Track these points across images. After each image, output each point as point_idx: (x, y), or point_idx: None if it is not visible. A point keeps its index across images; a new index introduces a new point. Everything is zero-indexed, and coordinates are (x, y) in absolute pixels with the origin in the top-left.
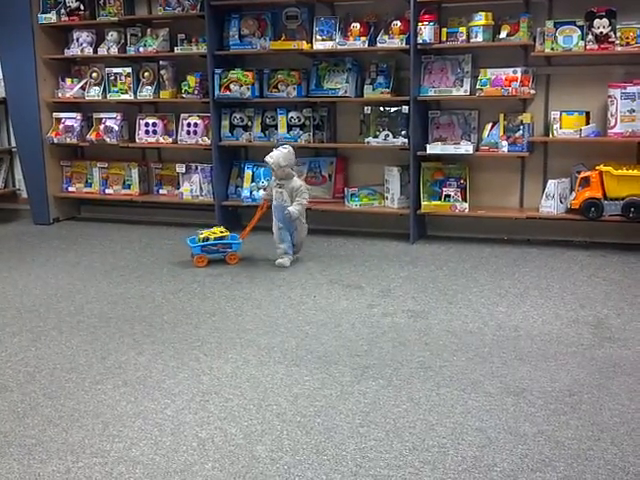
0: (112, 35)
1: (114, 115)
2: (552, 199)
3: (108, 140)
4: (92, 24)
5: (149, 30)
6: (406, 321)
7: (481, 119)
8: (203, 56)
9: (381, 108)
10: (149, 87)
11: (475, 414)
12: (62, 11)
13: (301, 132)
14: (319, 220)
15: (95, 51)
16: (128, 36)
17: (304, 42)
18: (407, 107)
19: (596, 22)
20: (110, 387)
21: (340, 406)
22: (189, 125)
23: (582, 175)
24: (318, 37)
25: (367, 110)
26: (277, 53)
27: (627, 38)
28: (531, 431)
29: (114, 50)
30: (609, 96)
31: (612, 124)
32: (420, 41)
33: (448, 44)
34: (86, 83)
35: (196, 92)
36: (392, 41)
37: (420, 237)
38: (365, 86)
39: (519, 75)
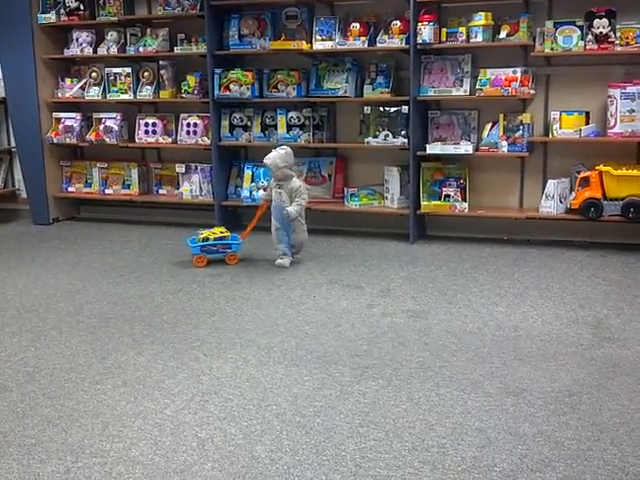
0: (112, 35)
1: (114, 115)
2: (552, 199)
3: (108, 140)
4: (92, 24)
5: (149, 30)
6: (406, 321)
7: (481, 119)
8: (203, 56)
9: (381, 108)
10: (149, 87)
11: (475, 414)
12: (62, 11)
13: (301, 132)
14: (319, 220)
15: (95, 51)
16: (128, 36)
17: (304, 42)
18: (407, 107)
19: (596, 22)
20: (110, 387)
21: (340, 406)
22: (189, 125)
23: (582, 175)
24: (318, 37)
25: (367, 110)
26: (277, 53)
27: (627, 38)
28: (531, 431)
29: (114, 50)
30: (609, 96)
31: (612, 124)
32: (420, 41)
33: (448, 44)
34: (86, 83)
35: (196, 92)
36: (392, 41)
37: (420, 237)
38: (365, 86)
39: (519, 75)
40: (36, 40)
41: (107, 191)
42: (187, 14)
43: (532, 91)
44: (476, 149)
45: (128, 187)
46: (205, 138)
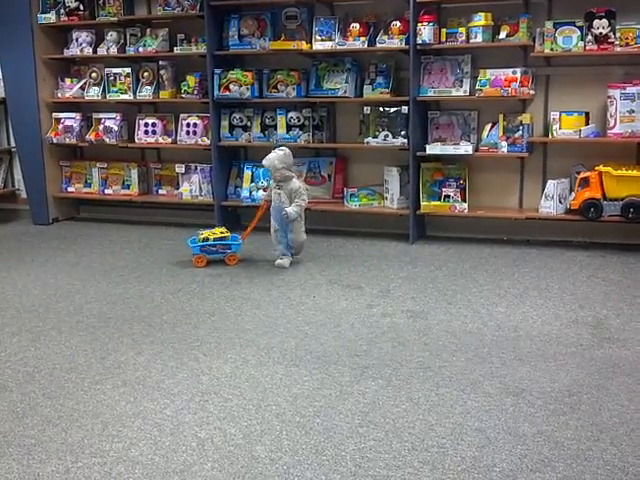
0: (111, 35)
1: (113, 115)
2: (551, 199)
3: (107, 140)
4: (91, 24)
5: (148, 30)
6: (405, 321)
7: (480, 119)
8: (202, 56)
9: (381, 108)
10: (148, 87)
11: (474, 414)
12: (61, 11)
13: (300, 132)
14: (319, 220)
15: (94, 51)
16: (127, 36)
17: (303, 42)
18: (406, 107)
19: (595, 23)
20: (109, 387)
21: (339, 406)
22: (188, 125)
23: (581, 175)
24: (317, 37)
25: (367, 110)
26: (277, 53)
27: (626, 38)
28: (530, 431)
29: (113, 50)
30: (608, 96)
31: (611, 124)
32: (420, 41)
33: (448, 44)
34: (85, 83)
35: (195, 92)
36: (391, 41)
37: (419, 237)
38: (365, 86)
39: (518, 76)
40: (36, 40)
41: (107, 191)
42: (187, 14)
43: (532, 91)
44: (476, 149)
45: (128, 187)
46: (205, 138)
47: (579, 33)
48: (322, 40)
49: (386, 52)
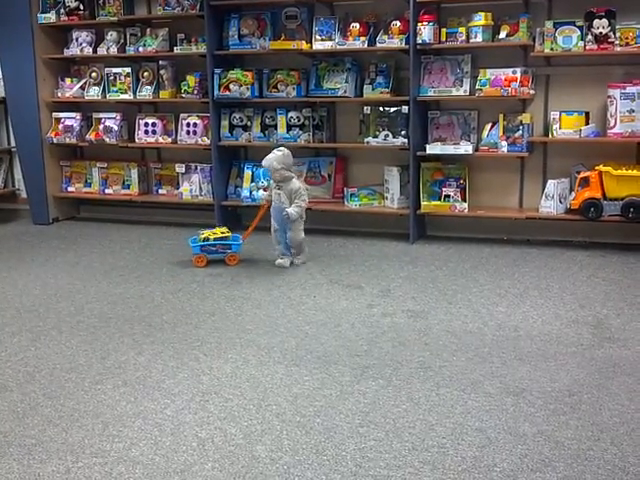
0: (111, 35)
1: (113, 115)
2: (552, 199)
3: (107, 140)
4: (91, 24)
5: (148, 30)
6: (406, 321)
7: (481, 119)
8: (203, 56)
9: (381, 108)
10: (148, 87)
11: (475, 414)
12: (61, 11)
13: (301, 132)
14: (319, 220)
15: (94, 51)
16: (127, 36)
17: (304, 42)
18: (407, 107)
19: (595, 22)
20: (110, 387)
21: (340, 406)
22: (188, 125)
23: (581, 175)
24: (317, 37)
25: (367, 110)
26: (277, 53)
27: (626, 38)
28: (531, 431)
29: (113, 50)
30: (609, 96)
31: (612, 124)
32: (420, 41)
33: (448, 44)
34: (85, 83)
35: (195, 92)
36: (392, 41)
37: (420, 237)
38: (365, 86)
39: (518, 75)
40: (36, 40)
41: (107, 191)
42: (187, 14)
43: (532, 91)
44: (476, 149)
45: (128, 187)
46: (205, 138)
47: (579, 33)
48: (322, 40)
49: (386, 52)
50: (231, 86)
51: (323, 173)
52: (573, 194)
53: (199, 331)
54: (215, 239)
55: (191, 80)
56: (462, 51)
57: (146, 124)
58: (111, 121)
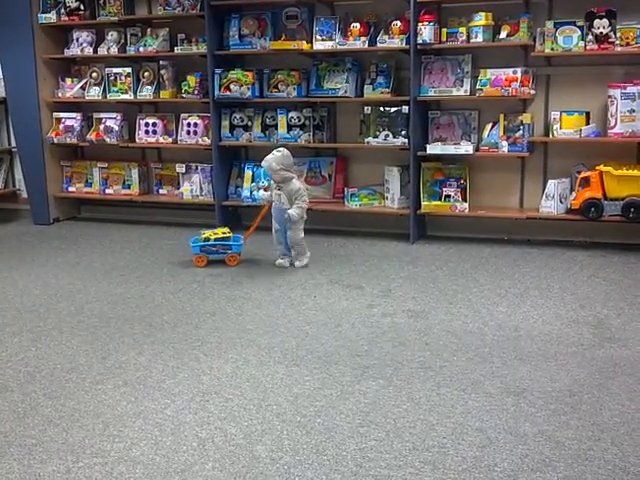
0: (112, 35)
1: (114, 115)
2: (552, 199)
3: (108, 140)
4: (92, 24)
5: (149, 30)
6: (406, 321)
7: (481, 119)
8: (203, 56)
9: (381, 108)
10: (149, 87)
11: (475, 414)
12: (62, 11)
13: (301, 132)
14: (319, 220)
15: (95, 51)
16: (128, 36)
17: (304, 42)
18: (407, 107)
19: (596, 22)
20: (110, 387)
21: (340, 406)
22: (189, 125)
23: (582, 175)
24: (318, 37)
25: (367, 110)
26: (277, 53)
27: (627, 38)
28: (531, 431)
29: (114, 50)
30: (609, 96)
31: (612, 124)
32: (420, 41)
33: (448, 44)
34: (86, 83)
35: (196, 92)
36: (392, 41)
37: (420, 237)
38: (365, 86)
39: (519, 75)
40: (36, 40)
41: (107, 191)
42: (187, 14)
43: (532, 91)
44: (476, 149)
45: (128, 187)
46: (205, 138)
47: (579, 33)
48: (322, 40)
49: (387, 52)
50: (232, 86)
51: (323, 173)
52: (574, 194)
53: (199, 331)
54: (215, 239)
55: (192, 80)
56: (463, 51)
57: (147, 124)
58: (112, 121)
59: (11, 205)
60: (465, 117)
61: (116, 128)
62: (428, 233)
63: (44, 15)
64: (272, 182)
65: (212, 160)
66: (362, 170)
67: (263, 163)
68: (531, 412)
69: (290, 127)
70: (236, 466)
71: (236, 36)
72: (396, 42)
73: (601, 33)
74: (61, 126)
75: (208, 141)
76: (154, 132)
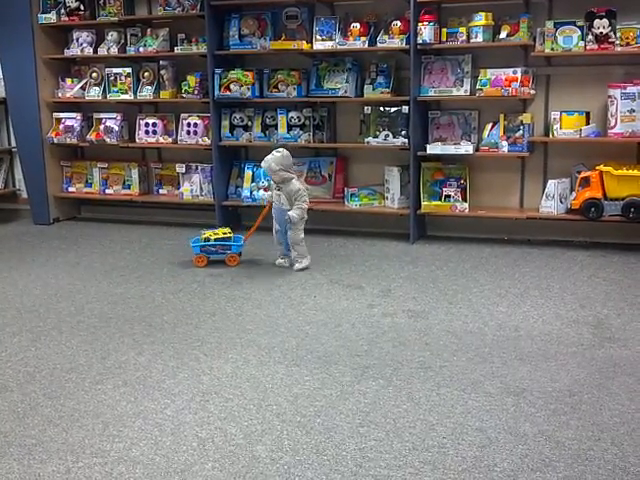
0: (112, 35)
1: (114, 115)
2: (552, 199)
3: (108, 140)
4: (92, 24)
5: (149, 30)
6: (406, 321)
7: (481, 119)
8: (203, 56)
9: (381, 108)
10: (149, 87)
11: (475, 414)
12: (62, 11)
13: (301, 132)
14: (319, 220)
15: (95, 51)
16: (128, 36)
17: (304, 42)
18: (407, 107)
19: (596, 22)
20: (110, 387)
21: (340, 406)
22: (189, 125)
23: (582, 175)
24: (318, 37)
25: (367, 110)
26: (277, 53)
27: (627, 38)
28: (531, 431)
29: (114, 50)
30: (609, 96)
31: (612, 124)
32: (420, 41)
33: (448, 44)
34: (86, 83)
35: (196, 92)
36: (392, 41)
37: (420, 237)
38: (365, 86)
39: (519, 75)
40: (36, 40)
41: (107, 191)
42: (187, 14)
43: (532, 91)
44: (476, 149)
45: (128, 187)
46: (205, 138)
47: (579, 33)
48: (322, 40)
49: (387, 52)
50: (232, 86)
51: (323, 173)
52: (574, 194)
53: (199, 331)
54: (216, 239)
55: (192, 80)
56: (462, 51)
57: (147, 124)
58: (112, 121)
59: (11, 205)
60: (465, 117)
61: (116, 128)
62: (428, 233)
63: (44, 15)
64: (272, 183)
65: (212, 160)
66: (362, 170)
67: (262, 164)
68: (531, 412)
69: (290, 127)
70: (236, 466)
71: (236, 36)
72: (396, 42)
73: (601, 33)
74: (61, 126)
75: (208, 141)
76: (154, 132)
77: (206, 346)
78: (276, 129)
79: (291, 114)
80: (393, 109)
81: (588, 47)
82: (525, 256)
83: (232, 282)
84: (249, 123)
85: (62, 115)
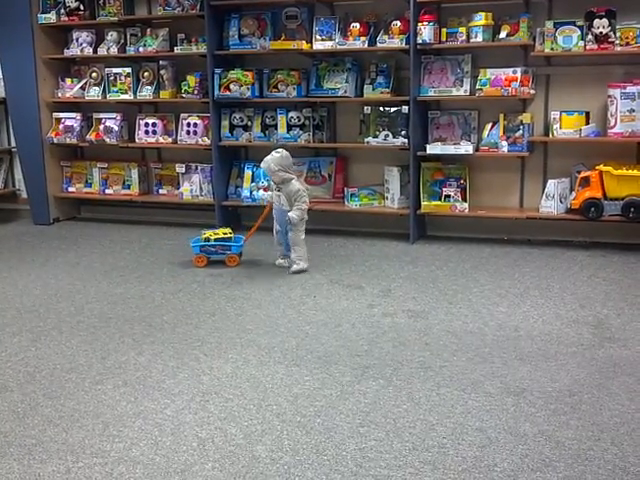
0: (112, 35)
1: (114, 115)
2: (552, 199)
3: (108, 140)
4: (92, 24)
5: (149, 30)
6: (406, 321)
7: (481, 119)
8: (203, 56)
9: (381, 108)
10: (149, 87)
11: (475, 414)
12: (62, 11)
13: (301, 132)
14: (319, 220)
15: (95, 51)
16: (128, 36)
17: (304, 42)
18: (407, 107)
19: (596, 22)
20: (110, 387)
21: (340, 406)
22: (189, 125)
23: (582, 175)
24: (318, 37)
25: (367, 110)
26: (277, 53)
27: (627, 38)
28: (531, 431)
29: (114, 50)
30: (609, 96)
31: (612, 124)
32: (420, 41)
33: (448, 44)
34: (86, 83)
35: (196, 92)
36: (392, 41)
37: (420, 237)
38: (365, 86)
39: (519, 75)
40: (36, 40)
41: (107, 191)
42: (187, 14)
43: (532, 91)
44: (476, 149)
45: (128, 187)
46: (205, 138)
47: (579, 33)
48: (322, 40)
49: (386, 52)
50: (231, 86)
51: (323, 173)
52: (573, 194)
53: (199, 331)
54: (216, 240)
55: (191, 80)
56: (462, 51)
57: (146, 124)
58: (111, 121)
59: (11, 205)
60: (465, 117)
61: (116, 128)
62: (428, 233)
63: (44, 15)
64: (272, 183)
65: (212, 160)
66: (362, 170)
67: (262, 164)
68: (531, 412)
69: (290, 127)
70: (236, 466)
71: (236, 36)
72: (396, 42)
73: (601, 33)
74: (61, 126)
75: (208, 141)
76: (154, 132)
77: (206, 346)
78: (276, 129)
79: (291, 114)
80: (393, 109)
81: (588, 47)
82: (525, 256)
83: (232, 282)
84: (249, 123)
85: (62, 115)
